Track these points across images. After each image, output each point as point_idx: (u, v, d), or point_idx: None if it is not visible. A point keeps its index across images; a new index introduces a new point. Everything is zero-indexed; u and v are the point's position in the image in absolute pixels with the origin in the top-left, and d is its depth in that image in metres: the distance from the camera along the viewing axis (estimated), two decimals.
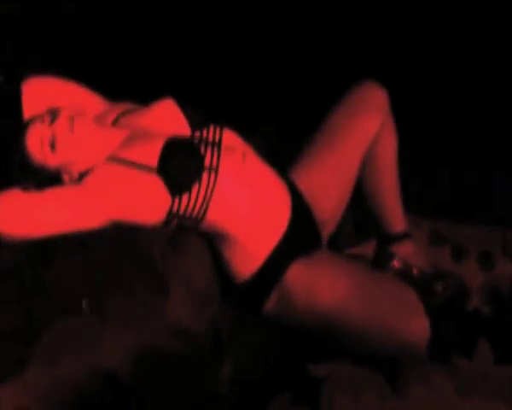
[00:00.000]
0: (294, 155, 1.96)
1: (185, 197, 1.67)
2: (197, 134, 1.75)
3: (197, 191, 1.67)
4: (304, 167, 1.92)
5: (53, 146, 1.65)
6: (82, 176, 1.67)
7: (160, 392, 1.61)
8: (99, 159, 1.69)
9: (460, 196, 2.22)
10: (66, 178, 1.68)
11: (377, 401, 1.74)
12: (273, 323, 1.79)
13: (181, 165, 1.66)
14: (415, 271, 1.97)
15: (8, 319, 1.54)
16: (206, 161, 1.69)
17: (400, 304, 1.73)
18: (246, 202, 1.72)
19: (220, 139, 1.75)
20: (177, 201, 1.66)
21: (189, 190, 1.66)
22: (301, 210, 1.84)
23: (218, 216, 1.70)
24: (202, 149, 1.71)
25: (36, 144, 1.66)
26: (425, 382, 1.74)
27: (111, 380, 1.54)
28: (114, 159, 1.67)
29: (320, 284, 1.72)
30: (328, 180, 1.90)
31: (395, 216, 1.95)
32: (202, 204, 1.68)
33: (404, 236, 1.96)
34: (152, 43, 2.35)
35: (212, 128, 1.77)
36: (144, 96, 1.87)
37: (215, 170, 1.69)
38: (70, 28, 2.33)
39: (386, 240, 1.97)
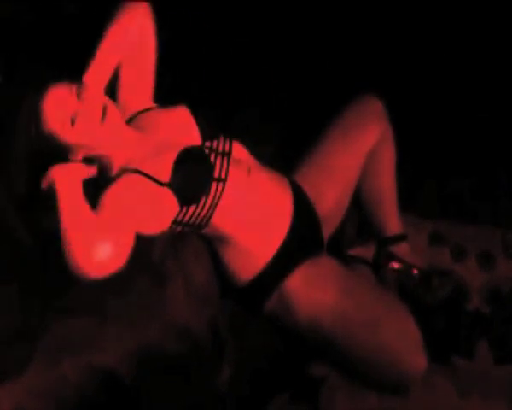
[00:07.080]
0: (297, 160, 1.98)
1: (192, 207, 1.65)
2: (208, 143, 1.74)
3: (204, 201, 1.66)
4: (306, 170, 1.94)
5: (73, 122, 1.54)
6: (103, 176, 1.62)
7: (160, 392, 1.61)
8: (116, 154, 1.64)
9: (462, 197, 2.23)
10: (74, 157, 1.59)
11: (377, 401, 1.74)
12: (273, 323, 1.79)
13: (193, 178, 1.64)
14: (414, 270, 1.98)
15: (8, 320, 1.54)
16: (216, 172, 1.68)
17: (401, 334, 1.68)
18: (248, 210, 1.72)
19: (230, 150, 1.74)
20: (183, 210, 1.65)
21: (199, 201, 1.66)
22: (303, 213, 1.83)
23: (220, 223, 1.69)
24: (212, 159, 1.70)
25: (57, 112, 1.53)
26: (425, 382, 1.75)
27: (111, 380, 1.55)
28: (128, 170, 1.63)
29: (320, 296, 1.71)
30: (329, 181, 1.92)
31: (392, 219, 2.00)
32: (207, 213, 1.68)
33: (401, 237, 2.00)
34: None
35: (222, 139, 1.76)
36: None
37: (223, 180, 1.68)
38: (71, 29, 2.33)
39: (384, 242, 2.00)
